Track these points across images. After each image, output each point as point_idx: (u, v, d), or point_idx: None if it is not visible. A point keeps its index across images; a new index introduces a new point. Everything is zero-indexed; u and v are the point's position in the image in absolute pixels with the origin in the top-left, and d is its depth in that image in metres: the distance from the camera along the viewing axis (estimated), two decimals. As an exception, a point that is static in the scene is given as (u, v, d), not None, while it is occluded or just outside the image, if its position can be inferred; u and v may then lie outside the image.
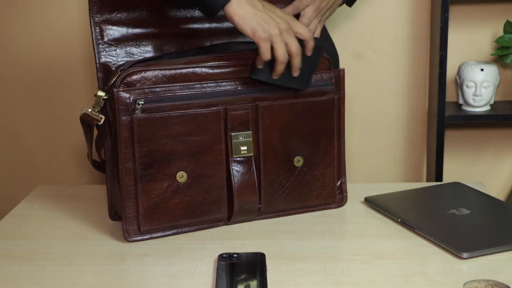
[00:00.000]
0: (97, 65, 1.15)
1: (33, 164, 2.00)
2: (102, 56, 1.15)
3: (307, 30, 1.11)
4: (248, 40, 1.24)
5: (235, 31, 1.24)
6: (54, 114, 1.96)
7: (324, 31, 1.32)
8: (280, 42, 1.08)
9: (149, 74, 1.08)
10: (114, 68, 1.13)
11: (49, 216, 1.23)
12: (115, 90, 1.06)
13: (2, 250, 1.09)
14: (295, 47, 1.09)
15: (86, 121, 1.12)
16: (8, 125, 1.97)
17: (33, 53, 1.92)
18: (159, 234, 1.12)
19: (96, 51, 1.15)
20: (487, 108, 1.84)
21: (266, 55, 1.08)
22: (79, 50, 1.91)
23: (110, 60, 1.16)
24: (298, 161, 1.17)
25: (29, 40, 1.90)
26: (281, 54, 1.08)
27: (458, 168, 2.00)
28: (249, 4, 1.07)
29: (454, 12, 1.88)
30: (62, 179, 2.01)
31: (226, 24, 1.23)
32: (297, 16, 1.24)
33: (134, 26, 1.17)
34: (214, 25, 1.23)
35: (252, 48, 1.14)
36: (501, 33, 1.85)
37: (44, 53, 1.91)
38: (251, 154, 1.14)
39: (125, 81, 1.07)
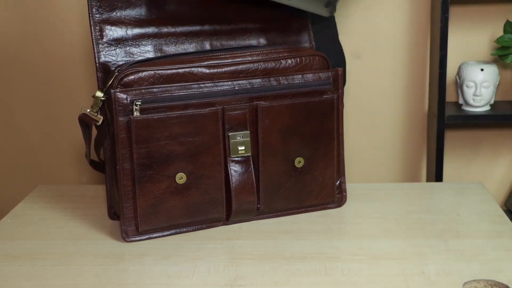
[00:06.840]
0: (97, 65, 1.15)
1: (33, 164, 2.00)
2: (102, 56, 1.15)
3: None
4: (247, 43, 1.24)
5: (235, 31, 1.24)
6: (54, 114, 1.96)
7: (335, 31, 1.29)
8: None
9: (146, 74, 1.08)
10: (113, 68, 1.13)
11: (49, 216, 1.23)
12: (112, 91, 1.06)
13: (2, 250, 1.09)
14: None
15: (85, 121, 1.12)
16: (8, 125, 1.97)
17: (33, 52, 1.92)
18: (158, 234, 1.12)
19: (95, 51, 1.15)
20: (487, 108, 1.84)
21: None
22: (80, 49, 1.91)
23: (110, 60, 1.16)
24: (299, 162, 1.17)
25: (29, 39, 1.90)
26: None
27: (458, 168, 1.99)
28: None
29: (454, 12, 1.88)
30: (62, 179, 2.01)
31: (226, 25, 1.23)
32: None
33: (134, 26, 1.17)
34: (214, 26, 1.23)
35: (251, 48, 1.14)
36: (501, 33, 1.85)
37: (45, 52, 1.91)
38: (249, 154, 1.14)
39: (122, 81, 1.07)
